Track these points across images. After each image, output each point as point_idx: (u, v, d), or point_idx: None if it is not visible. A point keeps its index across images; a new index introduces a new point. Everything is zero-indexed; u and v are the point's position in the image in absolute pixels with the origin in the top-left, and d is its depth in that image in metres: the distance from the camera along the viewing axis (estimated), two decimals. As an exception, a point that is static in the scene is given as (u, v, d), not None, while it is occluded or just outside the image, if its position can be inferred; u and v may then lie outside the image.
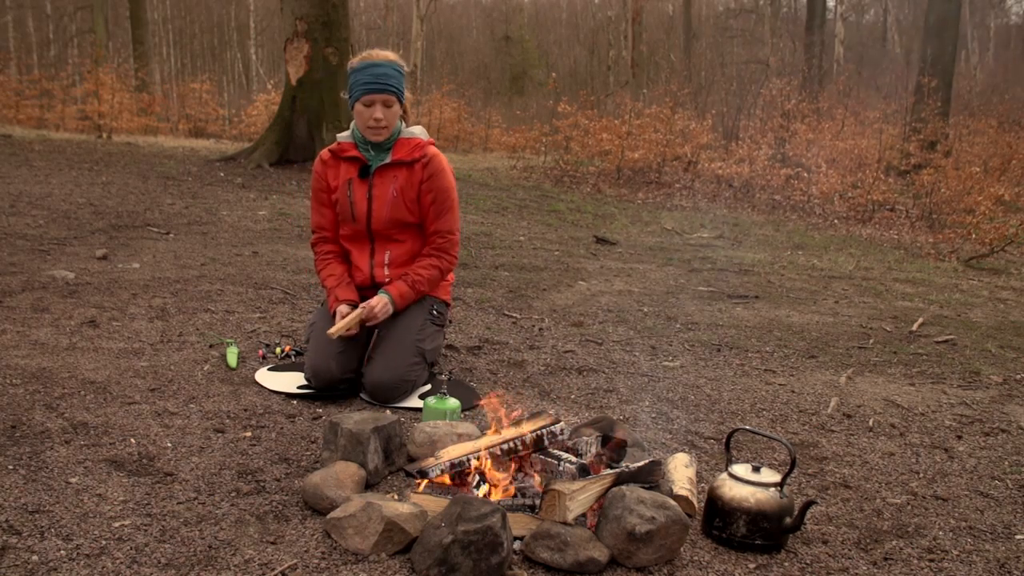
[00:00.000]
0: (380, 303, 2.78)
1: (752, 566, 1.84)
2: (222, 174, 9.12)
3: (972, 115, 15.67)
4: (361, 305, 2.78)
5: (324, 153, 2.95)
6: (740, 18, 32.69)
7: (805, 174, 11.72)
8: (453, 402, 2.52)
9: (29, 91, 19.00)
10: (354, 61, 2.80)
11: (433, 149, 2.90)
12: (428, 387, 2.89)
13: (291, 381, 2.85)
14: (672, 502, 1.86)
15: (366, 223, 2.88)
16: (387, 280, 2.93)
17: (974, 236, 8.83)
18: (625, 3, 24.21)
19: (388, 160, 2.85)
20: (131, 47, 22.31)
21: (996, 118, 15.02)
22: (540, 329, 3.93)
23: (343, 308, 2.84)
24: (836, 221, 10.41)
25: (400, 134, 2.88)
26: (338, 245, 3.02)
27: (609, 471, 2.02)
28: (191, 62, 37.93)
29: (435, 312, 2.97)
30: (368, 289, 2.98)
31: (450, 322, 3.30)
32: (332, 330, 2.71)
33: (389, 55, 2.80)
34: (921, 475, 2.45)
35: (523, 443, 2.11)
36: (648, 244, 7.45)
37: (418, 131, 2.92)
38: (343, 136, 2.93)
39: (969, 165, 11.93)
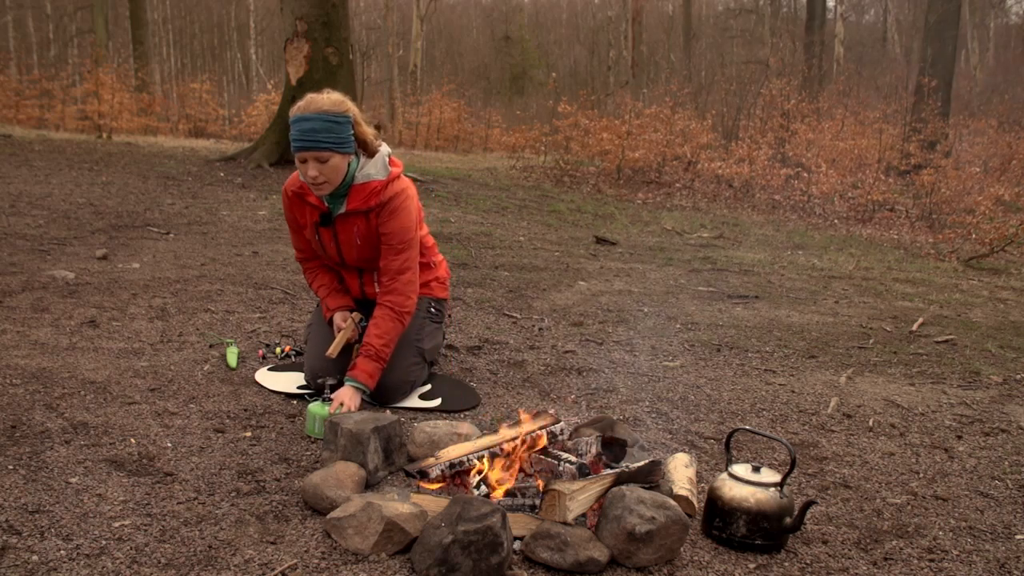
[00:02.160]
0: (350, 398, 2.52)
1: (752, 566, 1.84)
2: (222, 174, 9.12)
3: (972, 115, 15.68)
4: (332, 396, 2.52)
5: (289, 189, 2.78)
6: (740, 18, 32.70)
7: (805, 174, 11.72)
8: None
9: (29, 91, 19.02)
10: (292, 109, 2.56)
11: (391, 190, 2.67)
12: (428, 387, 2.89)
13: (291, 381, 2.85)
14: (672, 502, 1.86)
15: (339, 261, 2.84)
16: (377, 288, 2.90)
17: (974, 236, 8.83)
18: (625, 3, 24.21)
19: (344, 210, 2.68)
20: (131, 47, 22.31)
21: (996, 118, 15.02)
22: (540, 329, 3.93)
23: (337, 318, 2.82)
24: (836, 221, 10.42)
25: (354, 179, 2.65)
26: (321, 261, 2.96)
27: (609, 471, 2.02)
28: (191, 62, 37.95)
29: (433, 310, 2.97)
30: (358, 301, 2.95)
31: (450, 317, 3.29)
32: (330, 350, 2.69)
33: (323, 104, 2.52)
34: (921, 475, 2.45)
35: (523, 443, 2.11)
36: (648, 244, 7.45)
37: (375, 170, 2.66)
38: None
39: (969, 165, 11.94)
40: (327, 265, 2.96)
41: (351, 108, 2.59)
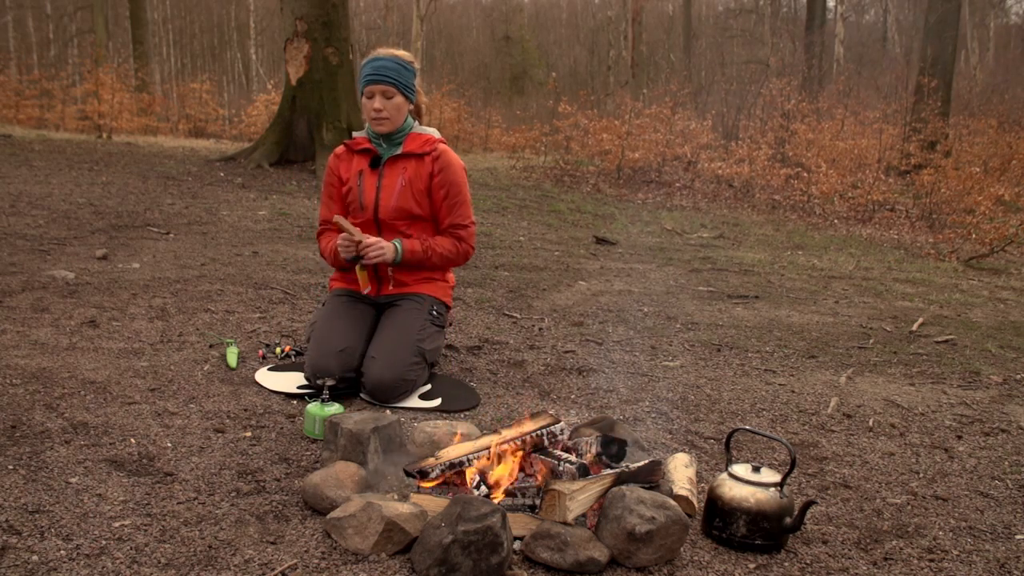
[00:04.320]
0: (387, 248, 2.83)
1: (752, 566, 1.84)
2: (222, 174, 9.12)
3: (972, 115, 15.67)
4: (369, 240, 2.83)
5: (339, 148, 3.05)
6: (740, 18, 32.71)
7: (805, 174, 11.72)
8: (331, 408, 2.43)
9: (29, 91, 19.03)
10: (368, 57, 2.91)
11: (444, 145, 2.96)
12: (428, 387, 2.89)
13: (291, 381, 2.85)
14: (672, 502, 1.86)
15: (373, 212, 2.92)
16: (390, 273, 2.97)
17: (974, 236, 8.83)
18: (625, 3, 24.21)
19: (399, 152, 2.93)
20: (131, 47, 22.32)
21: (996, 118, 15.01)
22: (540, 329, 3.93)
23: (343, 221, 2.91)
24: (836, 221, 10.42)
25: (412, 129, 2.96)
26: None
27: (609, 471, 2.02)
28: (191, 62, 37.97)
29: (435, 313, 2.97)
30: (366, 299, 2.99)
31: (450, 324, 3.30)
32: (341, 220, 2.81)
33: (394, 51, 2.89)
34: (921, 475, 2.45)
35: (523, 443, 2.11)
36: (648, 244, 7.45)
37: (429, 129, 3.00)
38: (359, 132, 3.03)
39: (969, 165, 11.93)
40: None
41: (417, 69, 2.92)
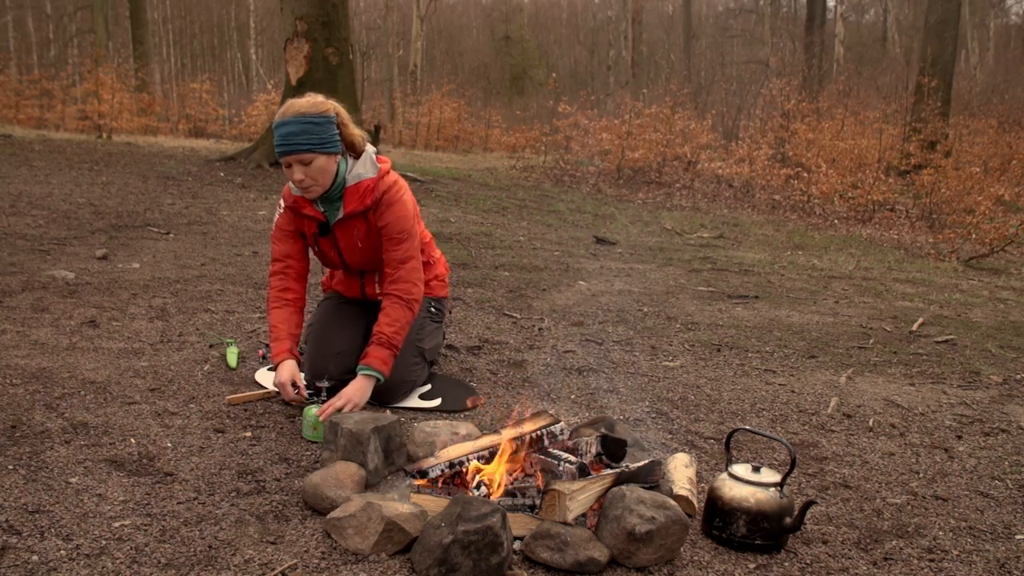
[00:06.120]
0: (360, 390, 2.51)
1: (752, 566, 1.84)
2: (222, 174, 9.12)
3: (972, 115, 15.68)
4: (340, 396, 2.48)
5: (286, 206, 2.73)
6: (740, 18, 32.74)
7: (805, 174, 11.73)
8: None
9: (29, 91, 19.06)
10: (275, 117, 2.55)
11: (384, 184, 2.65)
12: (428, 387, 2.89)
13: (291, 381, 2.84)
14: (672, 502, 1.86)
15: (343, 266, 2.84)
16: (379, 295, 2.83)
17: (974, 236, 8.83)
18: (625, 3, 24.21)
19: (341, 215, 2.65)
20: (131, 47, 22.33)
21: (996, 118, 15.02)
22: (540, 329, 3.93)
23: (291, 365, 2.62)
24: (836, 221, 10.42)
25: (346, 182, 2.62)
26: (299, 285, 2.81)
27: (609, 471, 2.02)
28: (191, 62, 38.00)
29: (433, 309, 2.96)
30: (358, 302, 2.96)
31: (451, 313, 3.28)
32: (233, 397, 2.63)
33: (301, 106, 2.50)
34: (921, 475, 2.45)
35: (523, 443, 2.11)
36: (648, 244, 7.45)
37: (364, 169, 2.64)
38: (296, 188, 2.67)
39: (969, 165, 11.93)
40: (297, 300, 2.79)
41: (332, 108, 2.55)
